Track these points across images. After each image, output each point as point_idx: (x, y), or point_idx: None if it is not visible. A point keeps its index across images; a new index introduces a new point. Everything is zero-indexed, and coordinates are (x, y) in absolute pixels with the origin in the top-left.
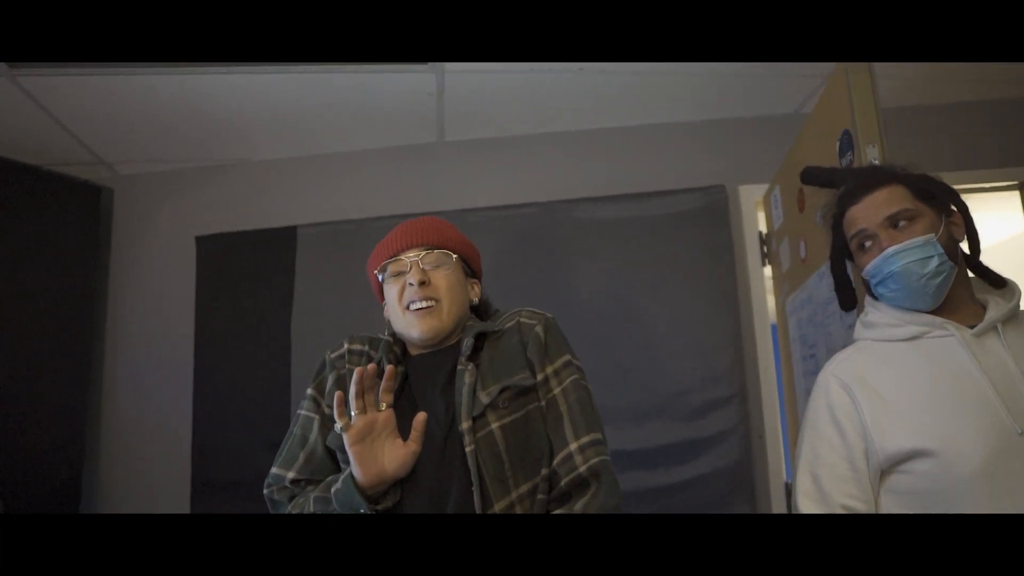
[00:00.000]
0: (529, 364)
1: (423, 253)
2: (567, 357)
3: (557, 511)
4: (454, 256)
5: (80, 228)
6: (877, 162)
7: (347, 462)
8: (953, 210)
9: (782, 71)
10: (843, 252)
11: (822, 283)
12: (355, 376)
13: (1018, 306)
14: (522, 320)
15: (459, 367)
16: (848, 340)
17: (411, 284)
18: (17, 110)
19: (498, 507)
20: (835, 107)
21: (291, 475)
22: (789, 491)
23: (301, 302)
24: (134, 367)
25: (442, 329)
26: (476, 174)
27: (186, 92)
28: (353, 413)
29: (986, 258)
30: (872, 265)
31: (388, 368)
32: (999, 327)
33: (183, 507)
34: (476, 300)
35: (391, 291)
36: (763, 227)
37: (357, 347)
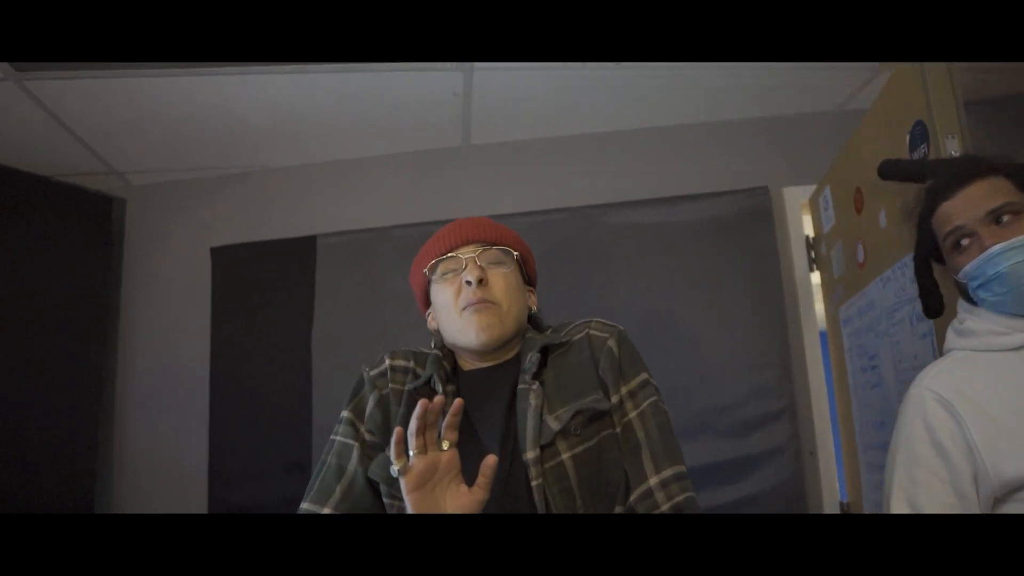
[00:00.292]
0: (601, 384)
1: (480, 250)
2: (644, 376)
3: None
4: (515, 254)
5: (91, 240)
6: (956, 155)
7: (392, 496)
8: None
9: (826, 65)
10: (930, 253)
11: (886, 289)
12: (418, 410)
13: None
14: (592, 332)
15: (521, 386)
16: (920, 350)
17: (468, 283)
18: (25, 118)
19: None
20: (903, 98)
21: (326, 511)
22: (844, 512)
23: (321, 315)
24: (148, 384)
25: (503, 333)
26: (503, 179)
27: (200, 98)
28: (411, 453)
29: None
30: (972, 266)
31: (456, 402)
32: None
33: None
34: (535, 308)
35: (443, 293)
36: (809, 230)
37: (400, 363)
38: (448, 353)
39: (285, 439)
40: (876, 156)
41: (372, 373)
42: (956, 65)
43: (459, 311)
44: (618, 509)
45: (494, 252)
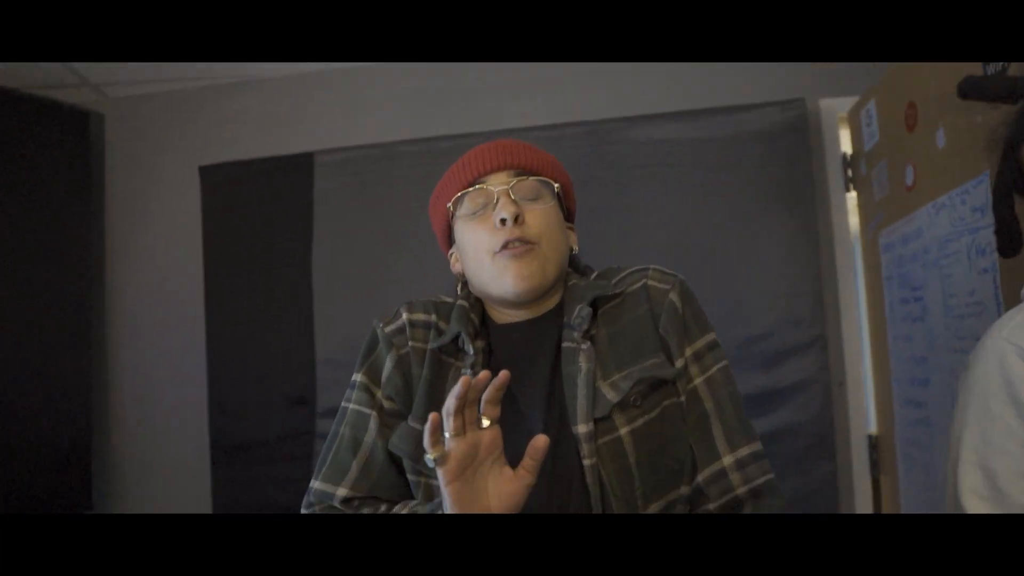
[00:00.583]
0: (663, 344)
1: (514, 180)
2: (711, 336)
3: None
4: (556, 186)
5: (67, 160)
6: None
7: (418, 473)
8: None
9: None
10: (1015, 185)
11: (939, 216)
12: (458, 388)
13: None
14: (650, 283)
15: (566, 343)
16: (978, 287)
17: (503, 219)
18: None
19: None
20: None
21: (342, 492)
22: (873, 446)
23: (322, 239)
24: (139, 315)
25: (544, 282)
26: (516, 89)
27: None
28: (447, 436)
29: None
30: None
31: (502, 375)
32: None
33: (203, 471)
34: (576, 248)
35: (470, 232)
36: (847, 147)
37: (420, 316)
38: (475, 302)
39: (287, 370)
40: (936, 69)
41: (388, 329)
42: None
43: (491, 255)
44: (683, 490)
45: (531, 183)
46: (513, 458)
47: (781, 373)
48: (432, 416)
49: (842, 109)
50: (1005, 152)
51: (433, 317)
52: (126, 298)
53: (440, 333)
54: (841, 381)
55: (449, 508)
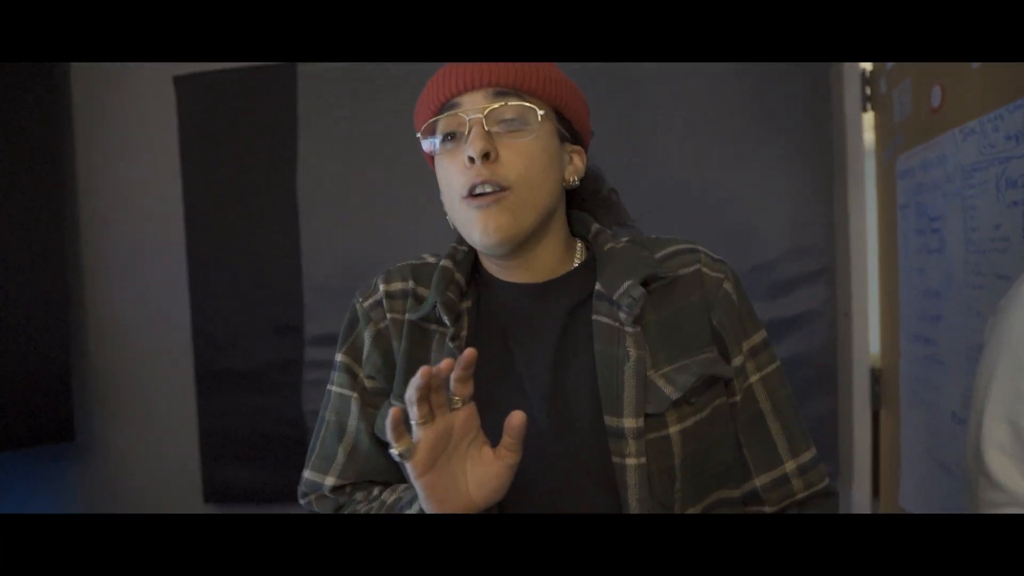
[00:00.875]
0: (715, 338)
1: (492, 103)
2: (764, 332)
3: None
4: (540, 112)
5: (30, 72)
6: None
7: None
8: None
9: None
10: None
11: (966, 143)
12: (417, 379)
13: None
14: (704, 270)
15: (602, 319)
16: (1006, 220)
17: (470, 158)
18: None
19: None
20: None
21: (330, 481)
22: (876, 379)
23: (307, 156)
24: (115, 241)
25: (519, 231)
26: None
27: None
28: (414, 425)
29: None
30: None
31: (466, 353)
32: None
33: (188, 400)
34: (575, 180)
35: (443, 168)
36: (866, 64)
37: (398, 286)
38: (467, 253)
39: (274, 296)
40: None
41: (366, 304)
42: None
43: (460, 200)
44: (723, 493)
45: (512, 108)
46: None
47: (787, 303)
48: (392, 411)
49: None
50: None
51: (410, 284)
52: (101, 221)
53: (419, 300)
54: (847, 310)
55: (424, 503)
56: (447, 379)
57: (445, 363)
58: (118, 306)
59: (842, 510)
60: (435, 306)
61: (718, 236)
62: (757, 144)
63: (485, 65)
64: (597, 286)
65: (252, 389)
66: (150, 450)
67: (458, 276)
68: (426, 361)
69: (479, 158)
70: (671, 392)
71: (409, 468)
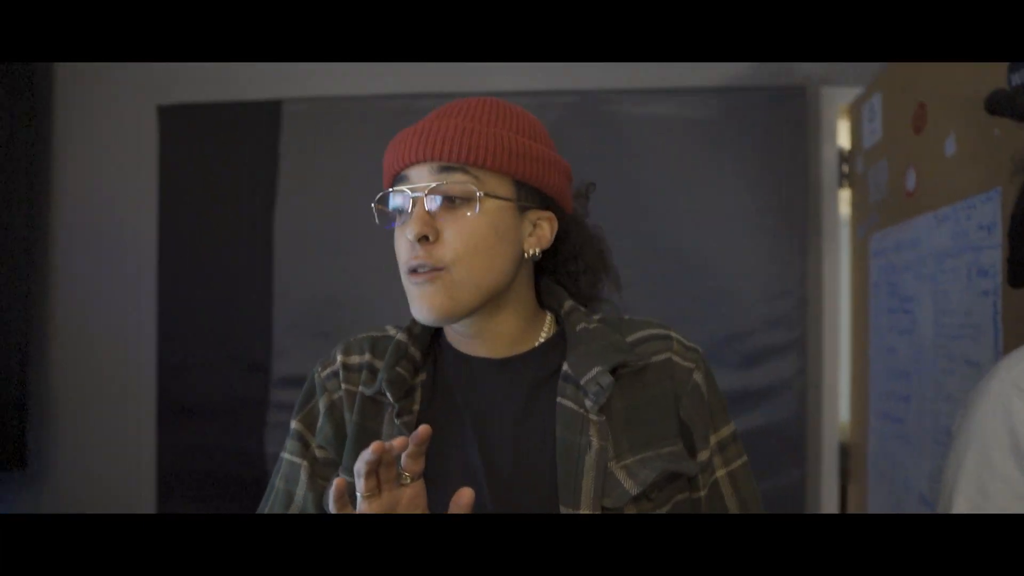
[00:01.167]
0: (682, 430)
1: (434, 181)
2: (733, 426)
3: None
4: (479, 192)
5: (12, 91)
6: None
7: None
8: None
9: None
10: None
11: (940, 229)
12: (367, 453)
13: None
14: (675, 359)
15: (566, 402)
16: (976, 307)
17: (407, 238)
18: None
19: None
20: None
21: None
22: (844, 453)
23: (286, 194)
24: (86, 268)
25: (456, 309)
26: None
27: None
28: (360, 497)
29: None
30: None
31: (421, 429)
32: None
33: (149, 433)
34: (536, 252)
35: (395, 240)
36: (845, 141)
37: (355, 359)
38: (424, 328)
39: (243, 333)
40: (955, 71)
41: (323, 374)
42: None
43: (405, 274)
44: None
45: (457, 184)
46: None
47: (758, 374)
48: (336, 481)
49: (844, 100)
50: None
51: (367, 357)
52: (73, 243)
53: (374, 374)
54: (817, 383)
55: None
56: (399, 455)
57: (398, 440)
58: (82, 330)
59: None
60: (382, 382)
61: (688, 301)
62: (733, 211)
63: (432, 135)
64: (565, 367)
65: (214, 426)
66: (105, 482)
67: (412, 350)
68: (378, 434)
69: (415, 238)
70: (631, 487)
71: None
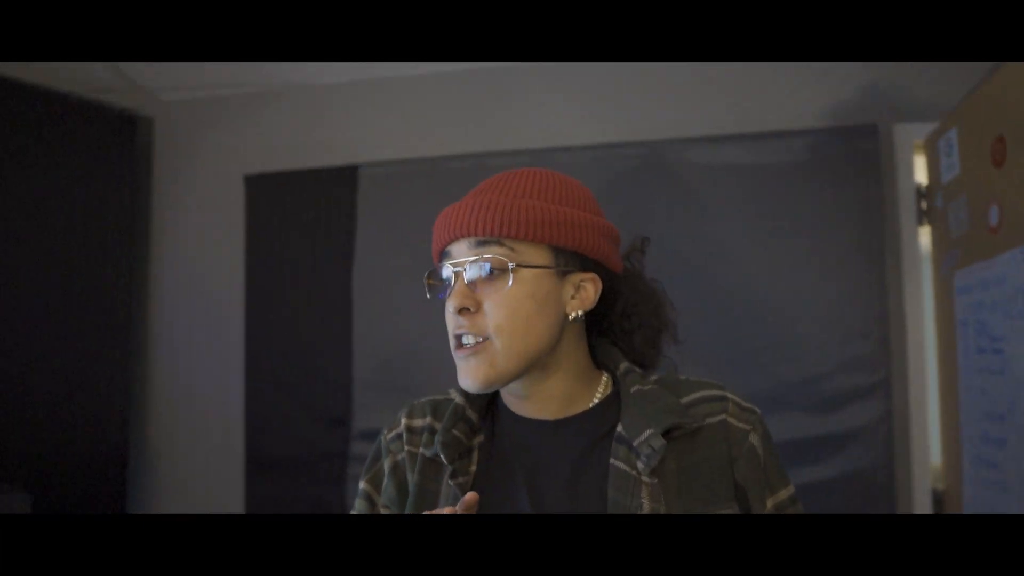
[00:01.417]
0: (738, 492)
1: (470, 257)
2: (791, 489)
3: None
4: (511, 264)
5: (115, 164)
6: None
7: None
8: None
9: None
10: None
11: None
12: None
13: None
14: (730, 420)
15: (619, 463)
16: None
17: (448, 311)
18: None
19: None
20: None
21: None
22: (938, 501)
23: (363, 254)
24: (179, 326)
25: (499, 377)
26: (570, 103)
27: None
28: None
29: None
30: None
31: (467, 497)
32: None
33: (237, 486)
34: (579, 314)
35: (446, 311)
36: (922, 177)
37: (418, 422)
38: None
39: (325, 389)
40: None
41: (388, 436)
42: None
43: (453, 346)
44: None
45: (493, 258)
46: None
47: (839, 418)
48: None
49: (918, 136)
50: None
51: (428, 420)
52: (167, 306)
53: (434, 436)
54: (905, 429)
55: None
56: None
57: (447, 509)
58: (176, 389)
59: None
60: (441, 445)
61: (764, 344)
62: (809, 253)
63: (469, 212)
64: (619, 428)
65: (298, 479)
66: None
67: (470, 412)
68: (436, 494)
69: (456, 310)
70: None
71: None
